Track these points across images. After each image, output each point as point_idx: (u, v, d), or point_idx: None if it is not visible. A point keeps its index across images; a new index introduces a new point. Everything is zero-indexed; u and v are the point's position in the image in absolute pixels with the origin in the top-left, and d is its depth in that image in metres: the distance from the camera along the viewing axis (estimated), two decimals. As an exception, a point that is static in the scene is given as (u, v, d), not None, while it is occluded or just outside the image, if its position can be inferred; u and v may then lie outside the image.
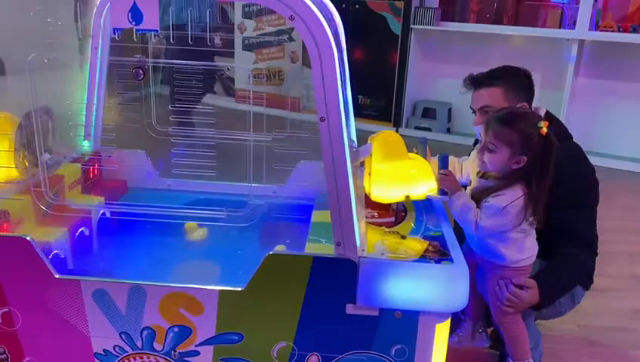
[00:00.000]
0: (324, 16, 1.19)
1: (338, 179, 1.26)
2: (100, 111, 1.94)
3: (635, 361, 2.07)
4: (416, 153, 1.60)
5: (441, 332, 1.36)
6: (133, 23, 1.18)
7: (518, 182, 1.51)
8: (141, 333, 1.40)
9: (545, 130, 1.48)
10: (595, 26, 4.62)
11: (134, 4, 1.16)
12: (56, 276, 1.36)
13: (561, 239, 1.68)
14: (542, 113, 1.79)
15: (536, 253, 1.65)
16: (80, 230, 1.71)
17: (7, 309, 1.39)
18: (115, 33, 1.20)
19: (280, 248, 1.51)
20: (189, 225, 1.86)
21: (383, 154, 1.65)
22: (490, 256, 1.62)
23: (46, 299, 1.38)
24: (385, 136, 1.69)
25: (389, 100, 5.32)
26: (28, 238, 1.35)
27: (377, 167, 1.60)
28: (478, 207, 1.55)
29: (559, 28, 4.91)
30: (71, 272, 1.56)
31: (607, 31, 4.59)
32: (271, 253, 1.33)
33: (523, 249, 1.60)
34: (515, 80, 1.74)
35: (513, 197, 1.50)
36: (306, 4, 1.16)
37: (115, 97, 1.97)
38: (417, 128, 5.22)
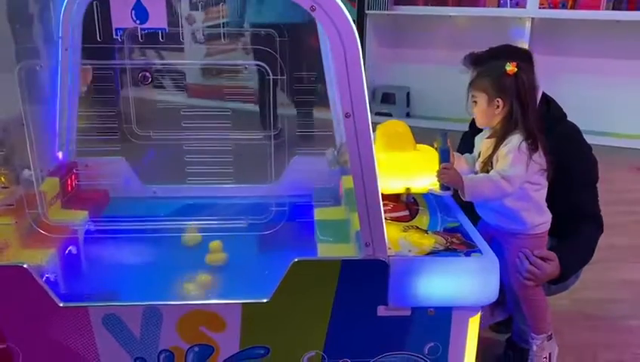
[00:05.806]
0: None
1: (365, 178, 1.20)
2: (73, 118, 1.79)
3: (630, 331, 2.12)
4: (436, 147, 1.54)
5: (474, 326, 1.34)
6: (138, 21, 1.06)
7: (514, 128, 1.52)
8: (158, 357, 1.30)
9: (512, 69, 1.51)
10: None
11: (138, 0, 1.05)
12: (61, 304, 1.24)
13: (571, 218, 1.68)
14: (540, 94, 1.77)
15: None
16: (68, 249, 1.57)
17: (4, 346, 1.26)
18: (117, 34, 1.08)
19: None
20: (213, 244, 1.63)
21: (385, 144, 1.60)
22: (510, 223, 1.59)
23: (49, 331, 1.26)
24: (390, 126, 1.64)
25: (347, 87, 5.27)
26: (25, 266, 1.22)
27: (377, 156, 1.55)
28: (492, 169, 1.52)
29: (497, 7, 4.99)
30: (65, 296, 1.43)
31: (543, 8, 4.71)
32: (297, 259, 1.25)
33: (542, 211, 1.60)
34: (520, 59, 1.70)
35: (519, 138, 1.50)
36: (329, -6, 1.08)
37: (90, 102, 1.83)
38: (378, 114, 5.19)
